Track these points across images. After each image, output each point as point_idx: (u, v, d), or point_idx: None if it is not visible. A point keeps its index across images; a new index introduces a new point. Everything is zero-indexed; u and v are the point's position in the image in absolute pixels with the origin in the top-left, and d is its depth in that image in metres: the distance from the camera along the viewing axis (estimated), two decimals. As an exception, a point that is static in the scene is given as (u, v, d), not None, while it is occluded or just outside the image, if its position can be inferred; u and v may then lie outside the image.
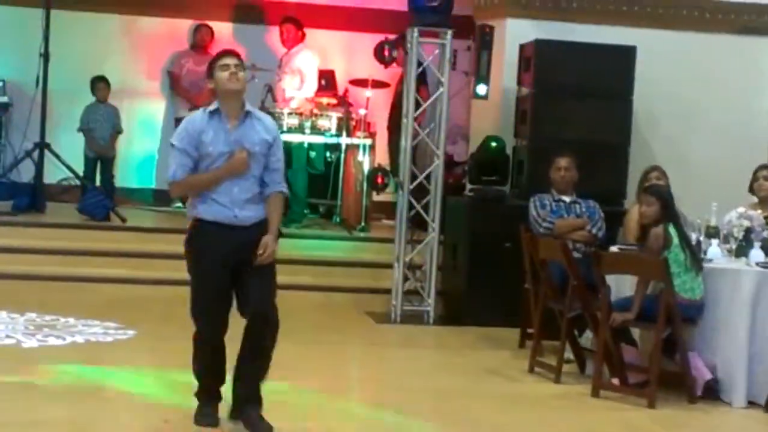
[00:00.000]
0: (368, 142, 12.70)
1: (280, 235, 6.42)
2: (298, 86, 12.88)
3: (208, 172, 6.29)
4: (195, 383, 6.61)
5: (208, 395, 6.59)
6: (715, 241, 8.46)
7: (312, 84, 12.97)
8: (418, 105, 10.88)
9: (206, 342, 6.47)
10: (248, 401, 6.39)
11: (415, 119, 10.91)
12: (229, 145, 6.28)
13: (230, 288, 6.35)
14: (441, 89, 10.82)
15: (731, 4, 11.88)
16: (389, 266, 10.89)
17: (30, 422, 6.60)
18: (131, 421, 6.85)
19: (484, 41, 11.03)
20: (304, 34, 13.19)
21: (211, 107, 6.38)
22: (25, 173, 12.55)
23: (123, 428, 6.77)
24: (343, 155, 12.68)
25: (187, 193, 6.61)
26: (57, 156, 12.26)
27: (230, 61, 6.36)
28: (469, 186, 11.59)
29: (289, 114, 12.45)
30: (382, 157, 13.25)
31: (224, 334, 6.44)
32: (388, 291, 10.79)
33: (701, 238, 8.44)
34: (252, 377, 6.40)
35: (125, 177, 13.49)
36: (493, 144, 11.19)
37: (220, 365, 6.56)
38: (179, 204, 13.17)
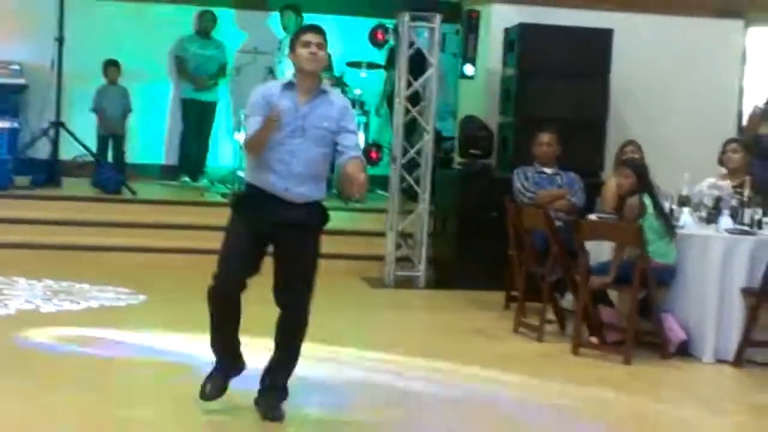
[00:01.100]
0: (363, 119, 12.71)
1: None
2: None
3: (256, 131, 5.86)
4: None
5: (224, 360, 6.10)
6: (687, 210, 8.49)
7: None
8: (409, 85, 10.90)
9: (219, 290, 5.90)
10: (273, 388, 6.07)
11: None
12: (296, 119, 5.86)
13: (259, 257, 5.92)
14: (431, 70, 10.83)
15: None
16: (383, 235, 10.92)
17: (50, 385, 6.62)
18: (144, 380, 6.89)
19: (470, 25, 11.05)
20: (302, 20, 13.17)
21: (287, 79, 6.04)
22: (42, 150, 12.53)
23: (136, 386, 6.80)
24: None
25: (257, 149, 5.91)
26: (71, 134, 12.24)
27: (312, 38, 5.94)
28: (457, 159, 11.61)
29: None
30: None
31: (240, 289, 5.91)
32: (381, 258, 10.81)
33: (674, 207, 8.47)
34: (280, 368, 6.07)
35: (135, 153, 13.47)
36: (469, 121, 11.23)
37: (232, 324, 6.01)
38: (186, 178, 13.20)
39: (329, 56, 13.34)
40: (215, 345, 6.11)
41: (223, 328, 6.04)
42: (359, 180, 5.75)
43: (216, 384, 6.08)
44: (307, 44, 5.93)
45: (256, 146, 5.89)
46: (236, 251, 5.91)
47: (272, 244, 5.96)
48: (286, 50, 12.66)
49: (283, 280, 5.97)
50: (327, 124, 5.91)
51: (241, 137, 5.64)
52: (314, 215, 5.99)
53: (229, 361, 6.11)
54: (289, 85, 5.98)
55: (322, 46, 5.94)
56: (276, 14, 13.45)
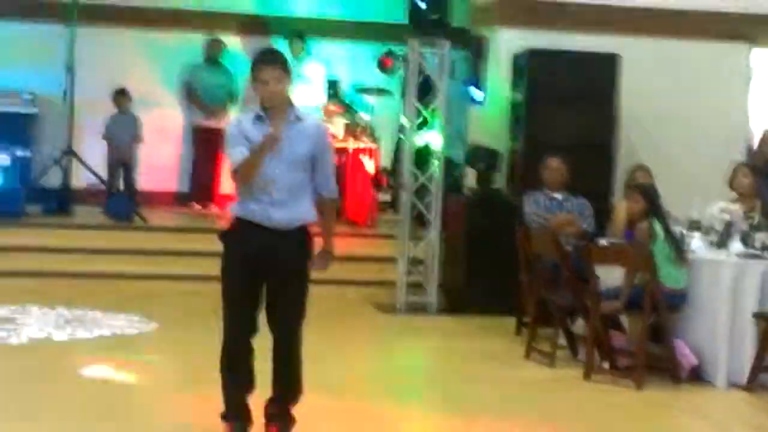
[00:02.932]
0: (373, 146, 12.72)
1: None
2: (308, 95, 12.93)
3: (249, 154, 5.72)
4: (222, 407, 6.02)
5: (236, 409, 5.96)
6: (697, 234, 8.46)
7: (321, 92, 13.04)
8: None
9: (230, 340, 5.87)
10: (278, 416, 5.99)
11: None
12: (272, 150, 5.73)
13: (258, 289, 5.85)
14: (439, 96, 10.84)
15: (712, 13, 11.86)
16: (394, 260, 10.91)
17: (68, 409, 6.60)
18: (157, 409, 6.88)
19: (478, 51, 11.06)
20: (307, 47, 13.26)
21: (255, 112, 5.85)
22: (53, 179, 12.57)
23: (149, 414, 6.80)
24: (349, 159, 12.71)
25: (247, 174, 5.77)
26: (83, 162, 12.29)
27: (268, 75, 5.73)
28: (467, 185, 11.61)
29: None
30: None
31: (251, 334, 5.88)
32: (393, 284, 10.79)
33: (685, 231, 8.44)
34: (282, 396, 5.99)
35: (147, 181, 13.50)
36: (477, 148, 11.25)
37: (247, 369, 5.95)
38: (198, 206, 13.21)
39: (337, 82, 13.55)
40: (225, 381, 5.97)
41: (238, 371, 5.95)
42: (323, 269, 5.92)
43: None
44: (264, 83, 5.76)
45: (250, 170, 5.77)
46: (234, 290, 5.85)
47: (264, 273, 5.87)
48: (296, 76, 12.96)
49: (272, 309, 5.91)
50: (304, 150, 5.82)
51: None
52: (302, 248, 5.89)
53: (237, 391, 5.99)
54: (258, 118, 5.84)
55: (280, 79, 5.76)
56: (280, 39, 13.48)
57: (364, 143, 12.69)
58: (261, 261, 5.82)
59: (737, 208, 8.80)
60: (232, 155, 5.84)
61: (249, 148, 5.75)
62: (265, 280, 5.87)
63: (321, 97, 13.03)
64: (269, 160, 5.74)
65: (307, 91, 12.94)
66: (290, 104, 5.87)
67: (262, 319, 5.92)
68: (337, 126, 12.66)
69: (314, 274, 5.96)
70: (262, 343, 5.95)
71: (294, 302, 5.91)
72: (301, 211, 5.87)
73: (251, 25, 14.14)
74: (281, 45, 13.42)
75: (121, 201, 12.33)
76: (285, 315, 5.91)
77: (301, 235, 5.90)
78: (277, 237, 5.81)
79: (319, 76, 13.10)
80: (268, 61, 5.82)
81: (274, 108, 5.79)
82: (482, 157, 11.13)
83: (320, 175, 5.92)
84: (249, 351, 5.95)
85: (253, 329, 5.90)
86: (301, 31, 13.34)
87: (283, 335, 5.92)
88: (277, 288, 5.88)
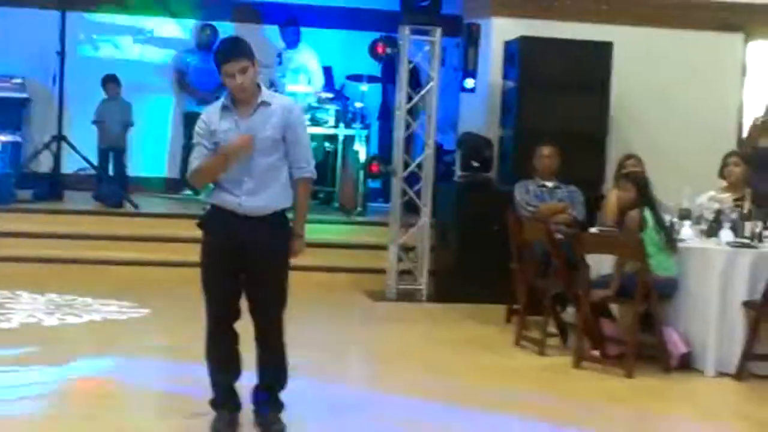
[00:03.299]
0: (364, 132, 12.72)
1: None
2: (305, 83, 12.94)
3: (212, 156, 5.77)
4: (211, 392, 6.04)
5: (224, 396, 5.99)
6: (687, 223, 8.48)
7: (319, 79, 13.07)
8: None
9: (213, 327, 5.89)
10: (266, 403, 5.99)
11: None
12: (239, 136, 5.76)
13: (237, 277, 5.82)
14: (431, 83, 10.84)
15: (707, 3, 11.86)
16: (385, 248, 10.91)
17: (53, 391, 6.63)
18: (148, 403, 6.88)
19: (471, 38, 11.04)
20: (300, 34, 13.24)
21: (223, 101, 5.86)
22: (44, 164, 12.54)
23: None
24: (340, 145, 12.71)
25: (202, 180, 5.98)
26: (73, 147, 12.25)
27: (233, 67, 5.71)
28: (458, 172, 11.60)
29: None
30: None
31: (234, 319, 5.87)
32: (383, 271, 10.80)
33: (675, 220, 8.46)
34: (268, 382, 5.99)
35: (137, 166, 13.48)
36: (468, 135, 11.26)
37: (231, 355, 5.96)
38: (188, 191, 13.17)
39: (330, 69, 13.53)
40: (212, 368, 5.98)
41: (223, 357, 5.95)
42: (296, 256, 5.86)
43: (225, 420, 5.96)
44: (231, 76, 5.72)
45: (201, 180, 5.94)
46: (214, 276, 5.85)
47: (241, 260, 5.83)
48: (291, 63, 12.97)
49: (252, 297, 5.89)
50: (270, 132, 5.78)
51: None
52: (278, 235, 5.86)
53: (224, 377, 5.99)
54: (225, 108, 5.84)
55: (245, 69, 5.71)
56: (274, 28, 13.45)
57: (355, 130, 12.67)
58: (237, 248, 5.78)
59: (727, 196, 8.81)
60: (193, 153, 5.88)
61: (217, 146, 5.74)
62: (243, 268, 5.84)
63: (320, 83, 13.05)
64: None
65: (302, 79, 12.96)
66: (258, 90, 5.84)
67: (243, 305, 5.91)
68: (328, 113, 12.64)
69: (294, 262, 5.94)
70: (247, 331, 5.96)
71: (274, 289, 5.90)
72: (275, 197, 5.83)
73: (244, 11, 14.11)
74: (273, 31, 13.45)
75: (112, 186, 12.30)
76: (265, 302, 5.90)
77: (277, 221, 5.88)
78: (253, 223, 5.79)
79: (315, 64, 13.11)
80: (230, 53, 5.78)
81: (238, 99, 5.80)
82: (473, 145, 11.13)
83: (292, 154, 5.86)
84: (232, 337, 5.94)
85: (235, 315, 5.89)
86: (293, 18, 13.31)
87: (265, 322, 5.91)
88: (256, 275, 5.84)
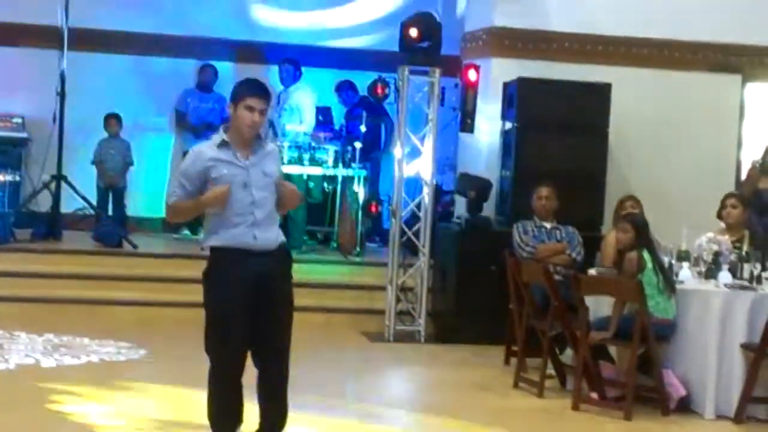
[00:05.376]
0: (363, 173, 12.75)
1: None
2: (296, 122, 12.98)
3: (191, 200, 5.81)
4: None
5: None
6: (686, 264, 8.50)
7: (308, 117, 13.10)
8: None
9: (222, 379, 5.80)
10: None
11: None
12: (241, 172, 5.79)
13: (251, 323, 5.74)
14: (430, 123, 10.89)
15: (700, 44, 11.93)
16: (383, 288, 10.92)
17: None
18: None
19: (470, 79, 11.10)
20: (301, 73, 13.29)
21: (220, 138, 5.85)
22: (43, 203, 12.57)
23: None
24: (339, 186, 12.74)
25: (176, 218, 6.27)
26: (73, 187, 12.28)
27: (257, 104, 5.79)
28: (456, 213, 11.64)
29: (289, 147, 12.50)
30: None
31: (241, 371, 5.81)
32: (382, 312, 10.81)
33: (673, 262, 8.48)
34: (271, 424, 5.95)
35: (137, 206, 13.50)
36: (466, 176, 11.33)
37: (237, 407, 5.88)
38: (187, 231, 13.19)
39: (329, 109, 13.58)
40: (214, 417, 5.92)
41: (228, 409, 5.88)
42: (291, 193, 5.99)
43: None
44: (251, 109, 5.81)
45: (175, 218, 6.17)
46: (228, 323, 5.75)
47: (255, 306, 5.77)
48: (288, 102, 13.02)
49: (263, 340, 5.80)
50: (271, 170, 5.92)
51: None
52: (285, 263, 5.96)
53: (227, 428, 5.94)
54: (223, 144, 5.86)
55: (264, 112, 5.86)
56: (274, 68, 13.52)
57: (354, 170, 12.70)
58: (257, 287, 5.75)
59: (726, 238, 8.83)
60: (170, 193, 5.98)
61: (210, 176, 5.80)
62: (257, 311, 5.77)
63: (310, 123, 13.07)
64: (243, 185, 5.81)
65: (295, 118, 13.01)
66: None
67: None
68: (327, 153, 12.68)
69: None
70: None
71: (286, 330, 5.89)
72: (277, 230, 5.95)
73: (244, 52, 14.19)
74: (273, 72, 13.50)
75: (110, 227, 12.32)
76: (277, 344, 5.85)
77: (284, 255, 5.95)
78: (266, 259, 5.81)
79: (309, 103, 13.14)
80: (259, 89, 5.91)
81: (244, 137, 5.85)
82: (472, 185, 11.16)
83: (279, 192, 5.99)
84: (240, 392, 5.89)
85: (243, 367, 5.84)
86: (293, 58, 13.37)
87: (275, 367, 5.87)
88: (270, 316, 5.79)
